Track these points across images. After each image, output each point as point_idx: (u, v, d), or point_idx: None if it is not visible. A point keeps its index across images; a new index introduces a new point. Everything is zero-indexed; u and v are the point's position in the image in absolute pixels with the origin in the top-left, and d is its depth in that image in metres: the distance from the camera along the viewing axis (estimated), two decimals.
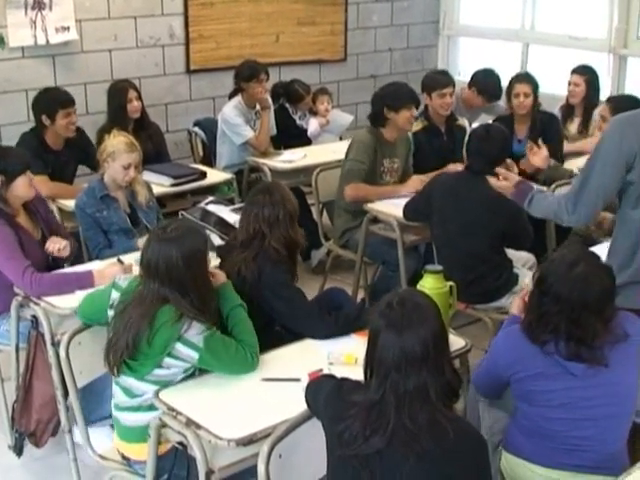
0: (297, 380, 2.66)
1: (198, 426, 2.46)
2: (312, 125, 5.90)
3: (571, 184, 3.11)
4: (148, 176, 4.46)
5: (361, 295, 4.77)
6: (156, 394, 2.65)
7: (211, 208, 4.04)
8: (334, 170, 4.85)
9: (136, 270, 3.05)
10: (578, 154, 5.01)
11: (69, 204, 4.24)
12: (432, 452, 2.02)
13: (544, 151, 4.35)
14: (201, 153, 5.81)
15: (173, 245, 2.66)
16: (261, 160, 5.34)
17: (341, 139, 5.99)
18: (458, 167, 4.39)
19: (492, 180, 3.49)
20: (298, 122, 5.93)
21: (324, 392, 2.25)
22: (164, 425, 2.57)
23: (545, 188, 4.12)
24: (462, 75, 6.95)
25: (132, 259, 3.42)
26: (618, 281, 2.81)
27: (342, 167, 4.67)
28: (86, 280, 3.37)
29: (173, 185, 4.71)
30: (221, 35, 6.30)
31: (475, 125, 5.07)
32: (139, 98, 5.06)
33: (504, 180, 3.34)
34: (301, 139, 5.82)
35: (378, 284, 4.74)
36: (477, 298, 3.87)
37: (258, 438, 2.41)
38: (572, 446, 2.50)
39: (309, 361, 2.82)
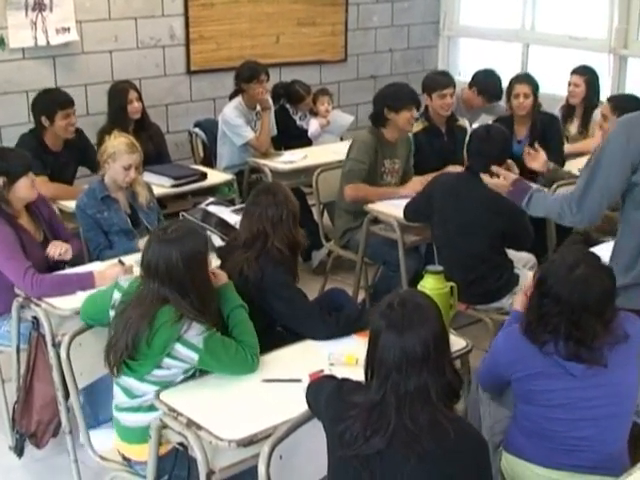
0: (298, 381, 2.66)
1: (199, 427, 2.46)
2: (312, 126, 5.90)
3: (575, 184, 3.10)
4: (149, 177, 4.47)
5: (362, 296, 4.78)
6: (157, 395, 2.65)
7: (212, 209, 4.04)
8: (335, 171, 4.85)
9: (137, 271, 3.06)
10: (578, 155, 5.02)
11: (69, 205, 4.24)
12: (433, 453, 2.02)
13: (542, 155, 4.35)
14: (202, 154, 5.81)
15: (173, 246, 2.67)
16: (262, 161, 5.34)
17: (342, 140, 5.98)
18: (457, 169, 4.39)
19: (486, 178, 3.49)
20: (298, 123, 5.93)
21: (325, 393, 2.25)
22: (165, 426, 2.58)
23: (546, 190, 4.12)
24: (462, 76, 6.96)
25: (133, 260, 3.42)
26: (623, 282, 2.82)
27: (343, 167, 4.67)
28: (87, 281, 3.37)
29: (174, 186, 4.71)
30: (221, 36, 6.30)
31: (475, 126, 5.08)
32: (139, 99, 5.06)
33: (500, 178, 3.34)
34: (302, 140, 5.82)
35: (379, 285, 4.74)
36: (478, 299, 3.87)
37: (259, 439, 2.41)
38: (571, 446, 2.50)
39: (310, 362, 2.82)
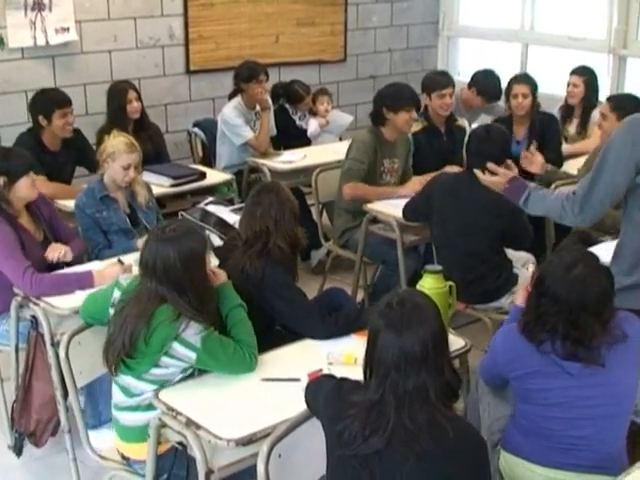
0: (297, 380, 2.66)
1: (198, 426, 2.46)
2: (312, 125, 5.90)
3: (575, 184, 3.09)
4: (148, 177, 4.46)
5: (361, 295, 4.78)
6: (155, 394, 2.65)
7: (211, 209, 4.04)
8: (334, 170, 4.85)
9: (136, 270, 3.05)
10: (577, 155, 5.02)
11: (68, 204, 4.24)
12: (432, 452, 2.02)
13: (539, 157, 4.34)
14: (201, 154, 5.82)
15: (171, 245, 2.67)
16: (261, 161, 5.34)
17: (341, 139, 5.99)
18: (455, 169, 4.39)
19: (480, 174, 3.48)
20: (298, 123, 5.93)
21: (324, 392, 2.25)
22: (164, 425, 2.57)
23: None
24: (462, 76, 6.96)
25: (132, 259, 3.42)
26: (626, 283, 2.82)
27: (342, 167, 4.68)
28: (86, 280, 3.37)
29: (173, 186, 4.71)
30: (221, 36, 6.30)
31: (475, 126, 5.07)
32: (139, 99, 5.06)
33: (494, 175, 3.34)
34: (301, 140, 5.82)
35: (378, 284, 4.74)
36: (477, 298, 3.87)
37: (258, 438, 2.41)
38: (569, 445, 2.50)
39: (309, 361, 2.82)
